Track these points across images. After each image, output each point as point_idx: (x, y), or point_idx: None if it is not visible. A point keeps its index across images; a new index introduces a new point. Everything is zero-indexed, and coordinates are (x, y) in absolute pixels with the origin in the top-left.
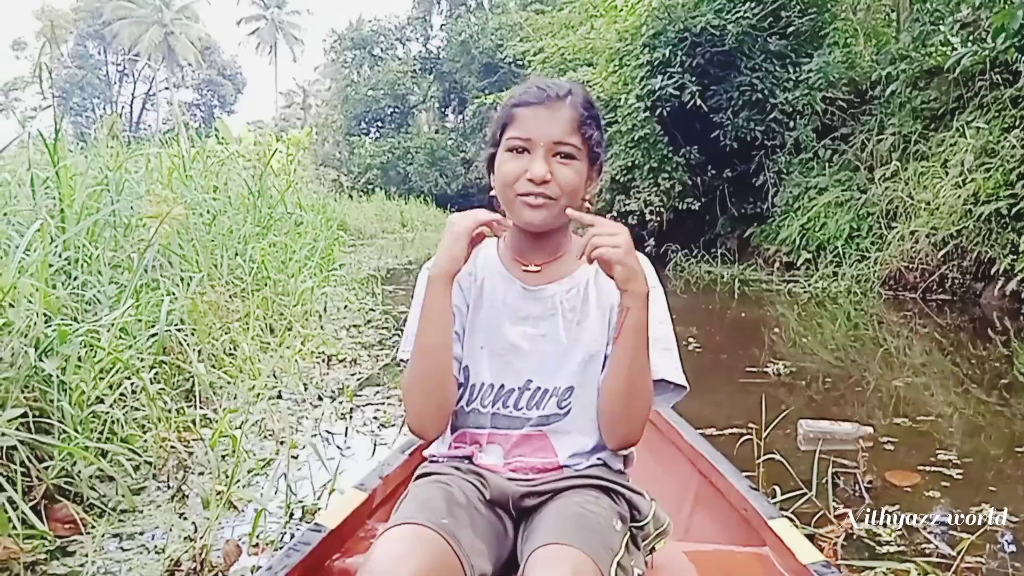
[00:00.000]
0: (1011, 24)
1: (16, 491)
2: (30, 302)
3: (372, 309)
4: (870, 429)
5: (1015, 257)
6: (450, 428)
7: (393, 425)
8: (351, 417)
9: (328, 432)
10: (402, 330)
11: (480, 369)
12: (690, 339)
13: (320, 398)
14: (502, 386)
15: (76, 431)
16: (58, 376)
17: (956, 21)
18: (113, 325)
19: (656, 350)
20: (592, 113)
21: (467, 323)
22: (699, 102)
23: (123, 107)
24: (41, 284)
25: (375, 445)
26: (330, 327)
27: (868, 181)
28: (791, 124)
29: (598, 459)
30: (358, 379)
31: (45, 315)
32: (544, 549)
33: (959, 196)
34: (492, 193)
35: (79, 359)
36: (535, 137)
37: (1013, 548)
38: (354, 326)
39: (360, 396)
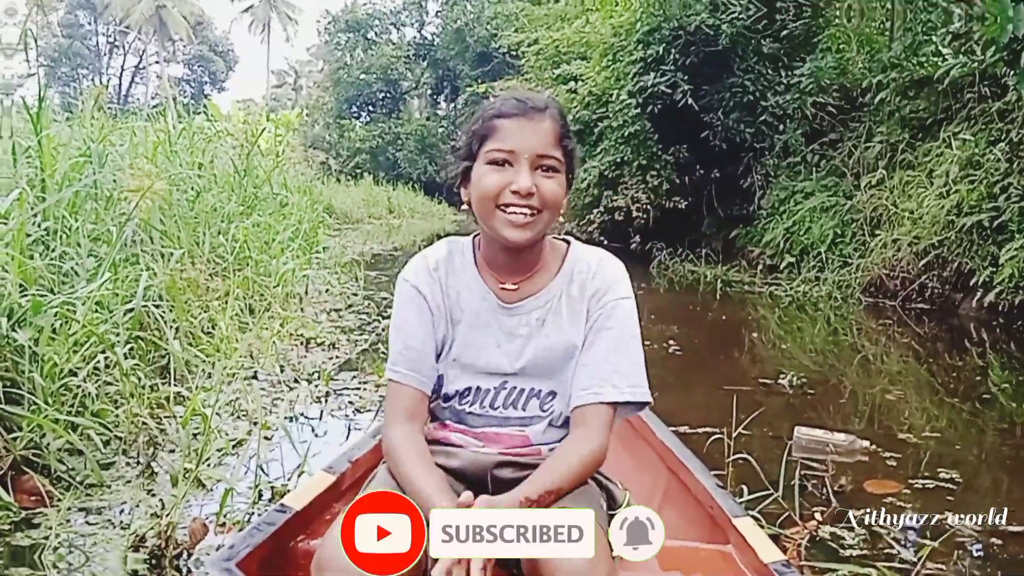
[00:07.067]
0: (1001, 38)
1: None
2: (5, 271)
3: (354, 294)
4: (866, 442)
5: (995, 269)
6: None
7: (369, 410)
8: (326, 401)
9: (303, 415)
10: (383, 316)
11: (454, 379)
12: (670, 340)
13: (296, 380)
14: (478, 388)
15: (47, 403)
16: (30, 347)
17: (948, 32)
18: (89, 298)
19: (626, 366)
20: (568, 125)
21: (444, 337)
22: (690, 101)
23: (112, 79)
24: (17, 254)
25: (349, 429)
26: (310, 310)
27: (854, 188)
28: (781, 128)
29: None
30: (335, 363)
31: (20, 285)
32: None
33: (942, 206)
34: (463, 207)
35: (53, 331)
36: (518, 149)
37: (979, 554)
38: (335, 310)
39: (337, 380)
